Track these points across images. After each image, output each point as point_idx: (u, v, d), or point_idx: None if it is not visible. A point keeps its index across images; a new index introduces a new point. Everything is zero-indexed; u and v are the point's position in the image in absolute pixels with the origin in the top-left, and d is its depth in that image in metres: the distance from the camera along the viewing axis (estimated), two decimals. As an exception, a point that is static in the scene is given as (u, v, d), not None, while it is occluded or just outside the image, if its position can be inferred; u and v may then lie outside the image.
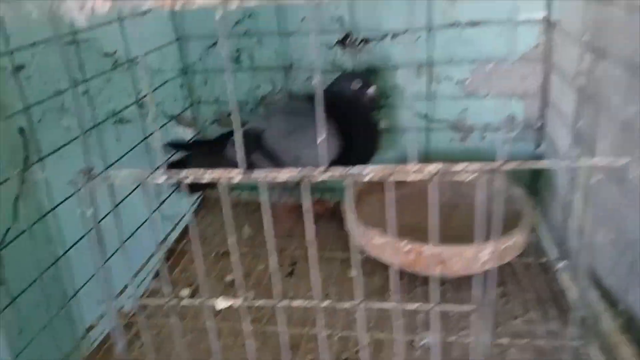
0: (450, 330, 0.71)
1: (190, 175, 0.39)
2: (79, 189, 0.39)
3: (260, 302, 0.42)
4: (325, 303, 0.41)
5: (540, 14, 0.85)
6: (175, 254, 0.90)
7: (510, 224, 0.75)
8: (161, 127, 0.91)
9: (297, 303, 0.42)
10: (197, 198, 1.08)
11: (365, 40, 0.92)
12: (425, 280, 0.80)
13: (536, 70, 0.88)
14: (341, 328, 0.73)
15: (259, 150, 0.85)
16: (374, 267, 0.84)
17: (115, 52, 0.97)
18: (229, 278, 0.85)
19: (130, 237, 0.75)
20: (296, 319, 0.75)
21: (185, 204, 1.01)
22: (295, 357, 0.70)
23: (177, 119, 1.04)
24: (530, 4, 0.85)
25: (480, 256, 0.69)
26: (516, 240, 0.69)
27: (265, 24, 0.95)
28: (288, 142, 0.84)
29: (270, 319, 0.75)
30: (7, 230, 0.61)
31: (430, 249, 0.69)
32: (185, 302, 0.43)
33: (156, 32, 0.95)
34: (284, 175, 0.38)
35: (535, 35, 0.87)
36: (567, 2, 0.78)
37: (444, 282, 0.80)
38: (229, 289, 0.82)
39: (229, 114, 1.01)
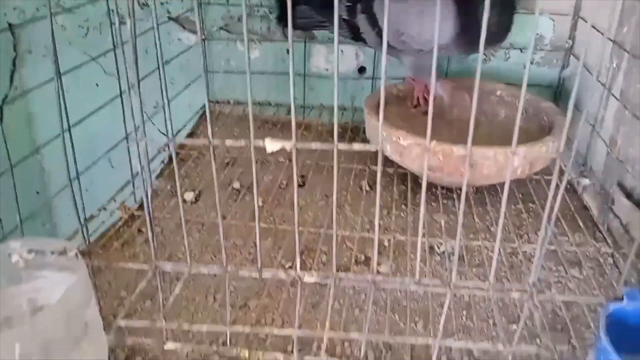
0: (472, 240, 0.69)
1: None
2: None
3: (315, 144, 0.38)
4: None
5: None
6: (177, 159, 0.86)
7: (541, 135, 0.73)
8: (158, 24, 0.84)
9: (354, 146, 0.38)
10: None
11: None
12: (445, 194, 0.77)
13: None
14: (360, 230, 0.70)
15: (366, 13, 0.78)
16: (390, 180, 0.81)
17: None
18: (235, 185, 0.81)
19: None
20: (310, 223, 0.73)
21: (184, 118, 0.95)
22: (308, 259, 0.66)
23: (181, 22, 0.97)
24: None
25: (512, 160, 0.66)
26: (549, 147, 0.66)
27: None
28: (392, 13, 0.76)
29: (281, 222, 0.72)
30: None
31: (460, 150, 0.65)
32: (229, 142, 0.38)
33: None
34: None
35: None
36: None
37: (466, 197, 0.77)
38: (235, 195, 0.79)
39: (239, 18, 0.94)
